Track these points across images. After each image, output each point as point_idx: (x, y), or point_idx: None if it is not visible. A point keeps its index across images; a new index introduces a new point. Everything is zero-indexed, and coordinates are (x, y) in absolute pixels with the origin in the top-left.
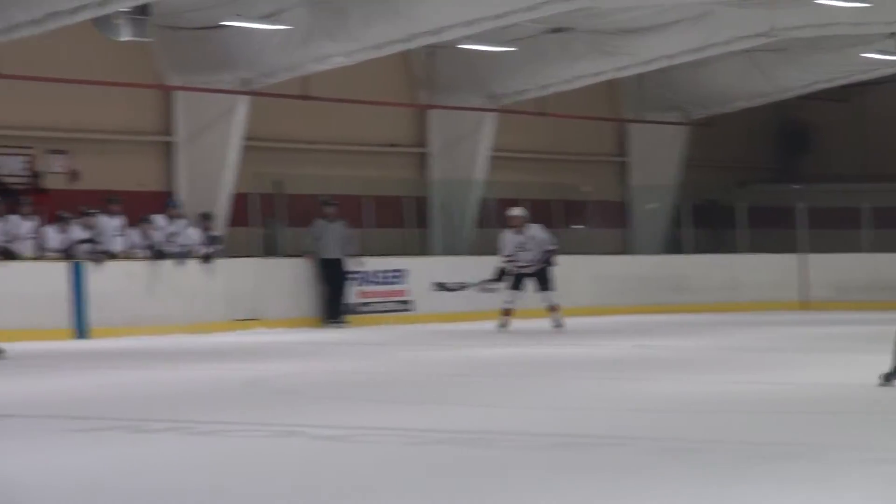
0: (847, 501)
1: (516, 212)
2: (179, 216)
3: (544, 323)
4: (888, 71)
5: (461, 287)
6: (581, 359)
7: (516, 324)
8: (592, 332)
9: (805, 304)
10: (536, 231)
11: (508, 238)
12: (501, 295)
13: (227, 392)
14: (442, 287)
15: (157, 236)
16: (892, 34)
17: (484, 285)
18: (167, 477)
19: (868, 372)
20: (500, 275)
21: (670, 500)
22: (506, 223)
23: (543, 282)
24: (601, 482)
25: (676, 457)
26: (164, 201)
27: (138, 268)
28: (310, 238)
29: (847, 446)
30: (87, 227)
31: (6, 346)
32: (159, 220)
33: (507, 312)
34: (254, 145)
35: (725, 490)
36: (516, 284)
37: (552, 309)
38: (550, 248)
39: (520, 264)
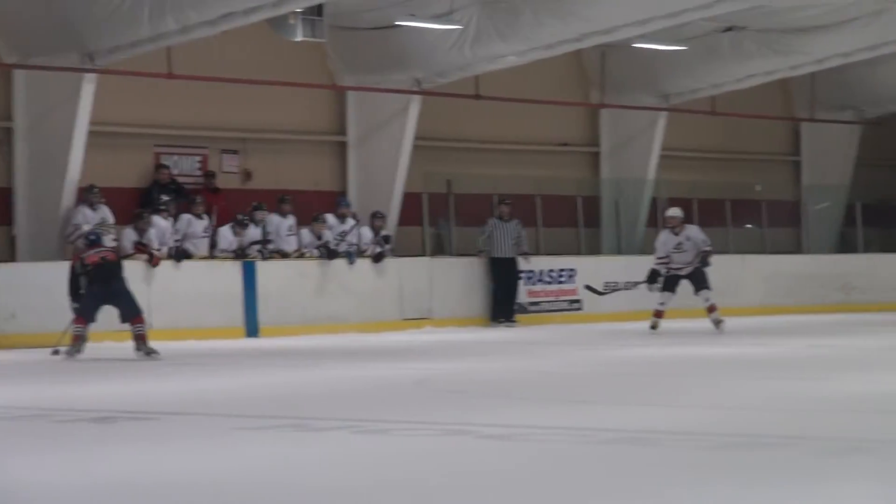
0: None
1: (674, 212)
2: (349, 215)
3: (705, 323)
4: None
5: (612, 290)
6: (752, 358)
7: (679, 324)
8: (764, 332)
9: None
10: (693, 232)
11: (664, 239)
12: (654, 296)
13: (395, 391)
14: (592, 290)
15: (329, 235)
16: None
17: (636, 287)
18: (330, 475)
19: None
20: (653, 276)
21: (844, 501)
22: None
23: (699, 282)
24: (771, 483)
25: (848, 457)
26: (334, 201)
27: (310, 267)
28: (483, 237)
29: None
30: (256, 223)
31: (158, 345)
32: (331, 219)
33: (658, 314)
34: (425, 145)
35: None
36: (670, 286)
37: (711, 309)
38: (706, 248)
39: (674, 266)
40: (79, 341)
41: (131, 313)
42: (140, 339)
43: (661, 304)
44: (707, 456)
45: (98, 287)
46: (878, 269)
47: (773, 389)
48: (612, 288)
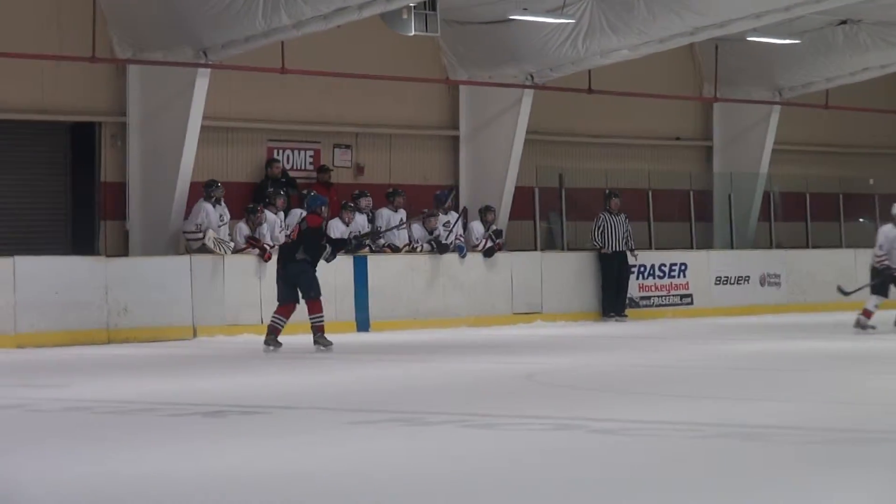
0: None
1: None
2: (451, 209)
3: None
4: None
5: (856, 290)
6: (868, 353)
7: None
8: (880, 325)
9: None
10: None
11: (886, 232)
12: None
13: (505, 385)
14: (841, 291)
15: (441, 230)
16: None
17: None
18: (440, 469)
19: None
20: (878, 276)
21: None
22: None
23: None
24: (876, 477)
25: None
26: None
27: (420, 261)
28: (595, 231)
29: None
30: (361, 210)
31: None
32: (439, 214)
33: (867, 314)
34: (537, 139)
35: None
36: (884, 286)
37: None
38: None
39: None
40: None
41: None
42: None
43: (875, 305)
44: (807, 450)
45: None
46: None
47: (885, 384)
48: (856, 289)
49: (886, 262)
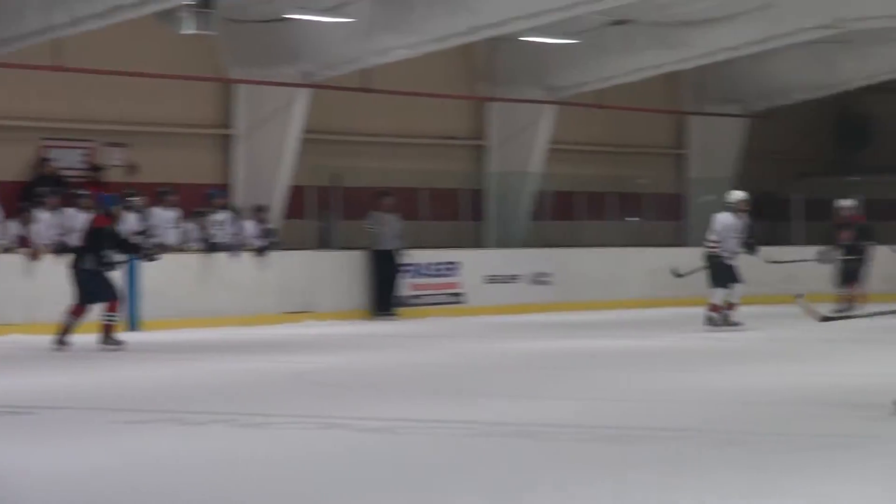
0: None
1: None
2: (223, 207)
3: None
4: None
5: (690, 273)
6: (633, 351)
7: (565, 318)
8: (646, 325)
9: (861, 297)
10: None
11: (722, 220)
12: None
13: (274, 384)
14: (676, 274)
15: (212, 229)
16: None
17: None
18: (210, 469)
19: None
20: (711, 263)
21: (727, 490)
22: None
23: None
24: (659, 474)
25: (727, 448)
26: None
27: (191, 260)
28: (370, 229)
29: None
30: (130, 209)
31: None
32: (216, 213)
33: (714, 308)
34: (313, 138)
35: (782, 481)
36: (723, 277)
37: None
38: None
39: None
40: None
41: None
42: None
43: (723, 300)
44: (586, 448)
45: None
46: (764, 262)
47: (652, 382)
48: (690, 270)
49: (718, 250)
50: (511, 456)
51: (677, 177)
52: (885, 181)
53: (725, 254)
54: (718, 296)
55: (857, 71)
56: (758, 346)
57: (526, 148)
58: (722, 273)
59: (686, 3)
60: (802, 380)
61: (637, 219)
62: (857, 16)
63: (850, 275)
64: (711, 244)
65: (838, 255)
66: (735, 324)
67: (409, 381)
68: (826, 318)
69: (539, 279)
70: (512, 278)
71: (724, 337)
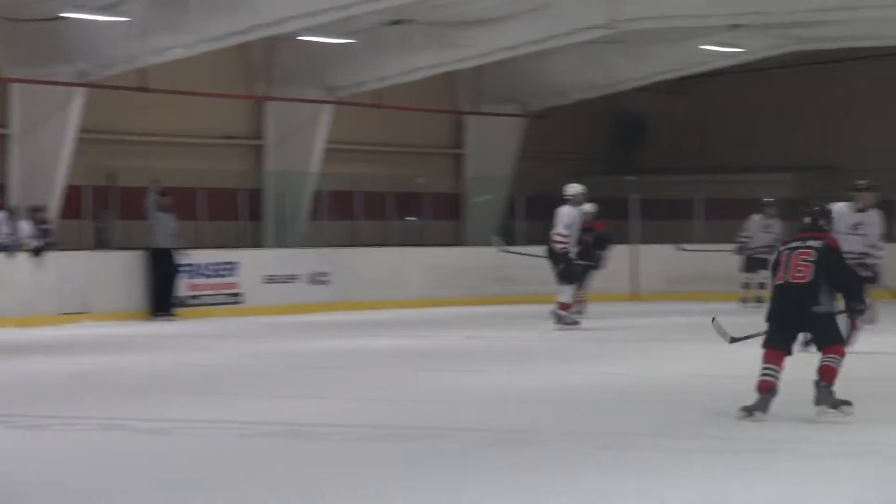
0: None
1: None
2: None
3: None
4: (726, 63)
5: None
6: (411, 350)
7: (338, 317)
8: (424, 324)
9: (635, 296)
10: None
11: (568, 212)
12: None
13: (50, 385)
14: (502, 249)
15: None
16: (732, 26)
17: None
18: None
19: (694, 362)
20: (560, 260)
21: (486, 489)
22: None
23: None
24: (419, 472)
25: (493, 448)
26: None
27: None
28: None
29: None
30: None
31: None
32: None
33: (563, 307)
34: (89, 138)
35: (545, 476)
36: (570, 273)
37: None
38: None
39: None
40: None
41: None
42: None
43: (572, 296)
44: (357, 447)
45: None
46: (539, 261)
47: (429, 381)
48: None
49: (568, 246)
50: (282, 456)
51: (456, 176)
52: (660, 181)
53: (574, 249)
54: (568, 293)
55: (632, 71)
56: (528, 347)
57: (304, 147)
58: (572, 269)
59: (463, 3)
60: (579, 379)
61: (415, 218)
62: (630, 16)
63: (576, 277)
64: (560, 239)
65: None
66: (575, 322)
67: (187, 382)
68: (735, 340)
69: (318, 279)
70: (291, 278)
71: (495, 336)
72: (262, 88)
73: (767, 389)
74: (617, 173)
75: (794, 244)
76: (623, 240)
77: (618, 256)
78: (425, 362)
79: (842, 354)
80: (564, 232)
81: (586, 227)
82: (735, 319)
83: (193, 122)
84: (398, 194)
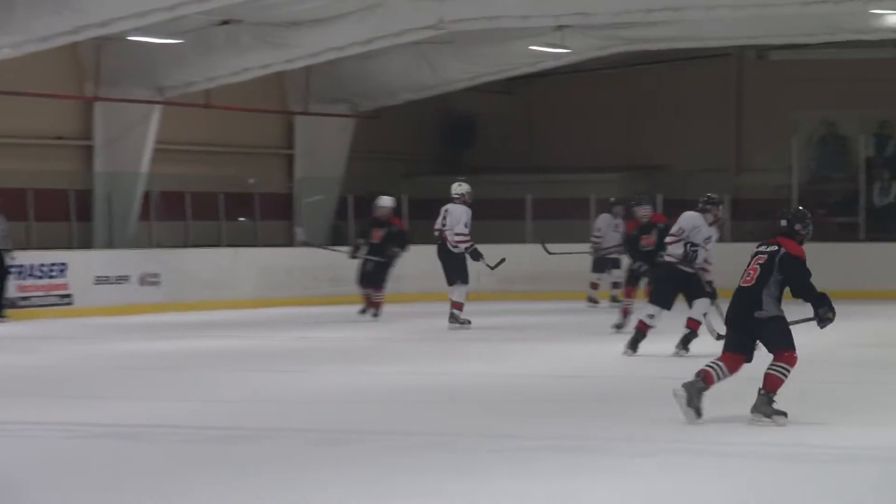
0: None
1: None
2: None
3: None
4: (553, 63)
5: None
6: (242, 351)
7: (176, 318)
8: (256, 325)
9: (473, 296)
10: None
11: (452, 210)
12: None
13: None
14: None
15: None
16: (559, 27)
17: None
18: None
19: (529, 361)
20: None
21: (327, 488)
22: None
23: None
24: (256, 473)
25: (330, 448)
26: None
27: None
28: None
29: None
30: None
31: None
32: None
33: (457, 306)
34: None
35: (372, 474)
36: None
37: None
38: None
39: None
40: None
41: None
42: None
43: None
44: (194, 449)
45: None
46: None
47: (260, 382)
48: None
49: (470, 245)
50: (105, 458)
51: (287, 177)
52: (490, 180)
53: (470, 248)
54: (461, 292)
55: (461, 72)
56: (359, 347)
57: (134, 148)
58: (464, 268)
59: (292, 3)
60: (410, 378)
61: (246, 219)
62: (460, 17)
63: (369, 276)
64: (461, 239)
65: (363, 253)
66: (467, 321)
67: (17, 384)
68: (720, 337)
69: (148, 280)
70: (121, 279)
71: (326, 337)
72: (91, 89)
73: (701, 375)
74: (447, 173)
75: (759, 247)
76: None
77: None
78: (256, 363)
79: (791, 363)
80: (466, 231)
81: (381, 223)
82: (581, 319)
83: (22, 123)
84: (229, 195)
